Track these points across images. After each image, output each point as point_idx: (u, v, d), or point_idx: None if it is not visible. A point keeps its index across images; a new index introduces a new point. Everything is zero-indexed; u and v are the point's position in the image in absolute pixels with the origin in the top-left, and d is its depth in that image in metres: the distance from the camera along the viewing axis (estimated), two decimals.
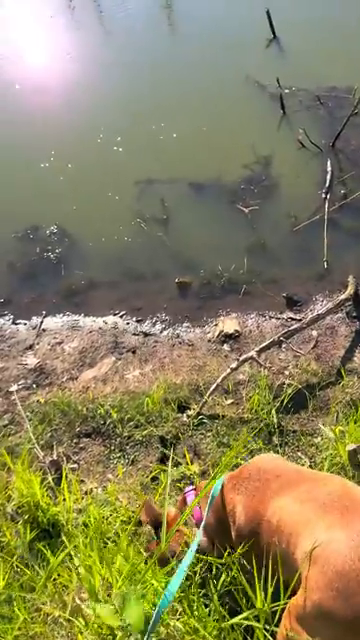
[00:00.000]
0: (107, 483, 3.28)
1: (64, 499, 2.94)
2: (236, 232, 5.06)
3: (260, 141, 5.71)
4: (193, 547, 2.04)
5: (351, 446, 2.86)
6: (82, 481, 3.30)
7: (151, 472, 3.29)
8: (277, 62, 6.88)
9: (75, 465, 3.43)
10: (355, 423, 3.31)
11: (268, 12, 6.91)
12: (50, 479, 3.07)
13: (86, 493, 3.19)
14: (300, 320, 4.30)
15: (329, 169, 5.43)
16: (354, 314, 4.40)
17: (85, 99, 6.53)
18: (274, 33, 7.09)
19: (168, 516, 2.25)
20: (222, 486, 2.29)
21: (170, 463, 3.17)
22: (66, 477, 3.16)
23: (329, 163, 5.48)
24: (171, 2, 8.50)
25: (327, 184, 5.32)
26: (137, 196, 5.41)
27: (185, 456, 3.33)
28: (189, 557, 1.98)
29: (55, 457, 3.30)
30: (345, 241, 4.92)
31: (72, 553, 2.39)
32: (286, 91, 6.24)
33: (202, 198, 5.35)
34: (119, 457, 3.46)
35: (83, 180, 5.62)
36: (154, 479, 3.25)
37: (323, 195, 5.26)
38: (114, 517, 2.93)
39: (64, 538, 2.75)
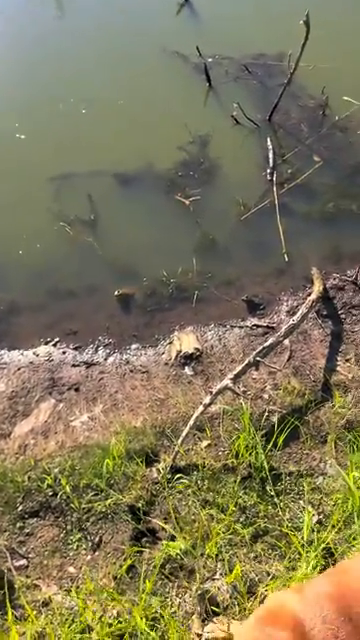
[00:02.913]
0: (69, 581, 2.53)
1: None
2: (178, 228, 4.34)
3: (190, 118, 4.98)
4: None
5: None
6: (36, 586, 2.52)
7: (125, 558, 2.56)
8: (193, 28, 6.11)
9: (23, 561, 2.63)
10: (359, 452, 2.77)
11: None
12: None
13: (44, 605, 2.42)
14: (270, 328, 3.70)
15: (270, 147, 4.81)
16: (325, 313, 3.85)
17: None
18: None
19: None
20: None
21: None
22: (13, 589, 2.37)
23: (269, 140, 4.86)
24: None
25: (271, 164, 4.71)
26: (54, 195, 4.53)
27: (164, 528, 2.64)
28: None
29: None
30: (301, 228, 4.34)
31: None
32: (209, 60, 5.52)
33: (133, 191, 4.57)
34: (79, 540, 2.70)
35: None
36: (130, 567, 2.53)
37: (268, 177, 4.64)
38: (87, 638, 2.19)
39: None
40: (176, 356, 3.62)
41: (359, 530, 2.39)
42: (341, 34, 5.52)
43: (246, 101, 5.13)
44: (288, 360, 3.54)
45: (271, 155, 4.76)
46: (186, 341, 3.70)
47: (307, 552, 2.38)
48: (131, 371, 3.62)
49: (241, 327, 3.81)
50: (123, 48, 5.78)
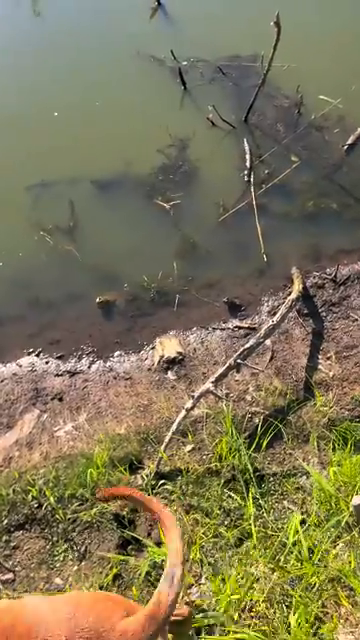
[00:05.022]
0: (56, 593, 2.53)
1: None
2: (158, 232, 4.35)
3: (166, 122, 4.96)
4: None
5: (358, 499, 2.30)
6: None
7: (111, 567, 2.57)
8: (167, 31, 6.12)
9: (10, 575, 2.63)
10: (342, 450, 2.79)
11: None
12: None
13: None
14: (251, 329, 3.71)
15: (246, 148, 4.83)
16: (305, 311, 3.87)
17: None
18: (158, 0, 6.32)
19: None
20: None
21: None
22: None
23: (245, 141, 4.87)
24: None
25: (248, 165, 4.72)
26: (33, 204, 4.53)
27: (149, 534, 2.65)
28: None
29: None
30: (280, 227, 4.35)
31: None
32: (184, 63, 5.54)
33: (112, 196, 4.57)
34: (65, 550, 2.70)
35: None
36: (116, 576, 2.54)
37: (246, 178, 4.66)
38: None
39: None
40: (159, 361, 3.63)
41: (334, 525, 2.41)
42: (313, 33, 5.54)
43: (222, 103, 5.14)
44: (270, 360, 3.56)
45: (248, 156, 4.77)
46: (168, 345, 3.71)
47: (291, 552, 2.40)
48: (114, 378, 3.62)
49: (223, 329, 3.82)
50: (97, 52, 5.79)
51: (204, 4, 6.18)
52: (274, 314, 3.69)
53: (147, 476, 2.89)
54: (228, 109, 5.12)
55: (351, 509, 2.37)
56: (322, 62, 5.26)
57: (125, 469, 2.92)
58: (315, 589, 2.25)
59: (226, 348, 3.69)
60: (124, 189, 4.61)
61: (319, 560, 2.37)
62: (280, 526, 2.57)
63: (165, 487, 2.82)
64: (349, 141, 4.80)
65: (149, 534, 2.67)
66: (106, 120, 5.11)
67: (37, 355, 3.81)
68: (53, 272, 4.18)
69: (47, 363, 3.75)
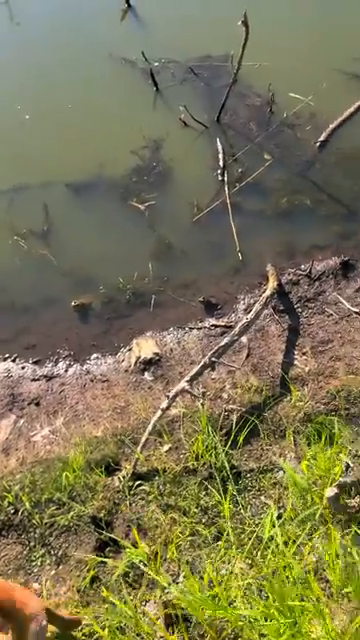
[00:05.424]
0: None
1: None
2: (134, 234, 4.35)
3: (139, 123, 4.97)
4: None
5: (332, 490, 2.31)
6: None
7: (88, 569, 2.55)
8: (138, 33, 6.14)
9: None
10: (317, 444, 2.80)
11: None
12: None
13: None
14: (228, 327, 3.71)
15: (219, 147, 4.84)
16: (281, 308, 3.88)
17: None
18: (128, 1, 6.32)
19: None
20: None
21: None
22: None
23: (218, 141, 4.89)
24: None
25: (221, 164, 4.74)
26: (6, 208, 4.51)
27: (127, 535, 2.64)
28: None
29: None
30: (254, 225, 4.37)
31: None
32: (155, 64, 5.54)
33: (87, 199, 4.56)
34: (43, 555, 2.68)
35: None
36: (94, 578, 2.52)
37: (219, 177, 4.67)
38: None
39: None
40: (135, 362, 3.62)
41: (308, 518, 2.41)
42: (284, 31, 5.58)
43: (194, 103, 5.16)
44: (246, 358, 3.56)
45: (221, 155, 4.79)
46: (145, 346, 3.70)
47: (267, 547, 2.40)
48: (91, 381, 3.60)
49: (199, 328, 3.82)
50: (70, 56, 5.77)
51: (174, 5, 6.20)
52: (250, 311, 3.69)
53: (124, 477, 2.87)
54: (200, 109, 5.13)
55: (325, 502, 2.38)
56: (293, 60, 5.29)
57: (101, 471, 2.90)
58: (291, 582, 2.25)
59: (203, 347, 3.68)
60: (98, 191, 4.60)
61: (295, 553, 2.37)
62: (257, 522, 2.57)
63: (142, 488, 2.81)
64: (321, 138, 4.83)
65: (127, 535, 2.65)
66: (79, 122, 5.10)
67: (13, 360, 3.78)
68: (28, 276, 4.16)
69: (23, 368, 3.73)
